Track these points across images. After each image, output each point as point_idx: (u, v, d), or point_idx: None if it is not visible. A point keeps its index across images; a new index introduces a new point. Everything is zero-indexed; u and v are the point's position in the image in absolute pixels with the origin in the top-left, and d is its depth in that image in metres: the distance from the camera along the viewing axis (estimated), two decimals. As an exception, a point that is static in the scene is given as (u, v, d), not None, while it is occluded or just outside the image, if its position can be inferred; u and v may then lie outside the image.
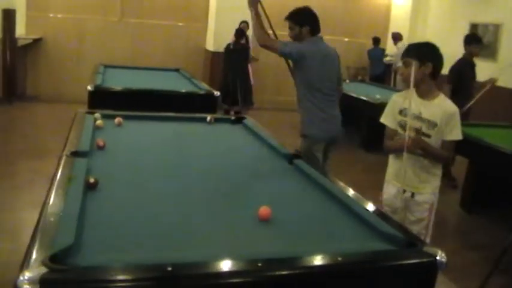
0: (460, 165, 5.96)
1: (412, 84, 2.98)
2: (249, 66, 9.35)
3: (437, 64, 3.06)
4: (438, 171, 3.22)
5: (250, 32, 9.18)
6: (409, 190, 3.21)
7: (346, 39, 11.90)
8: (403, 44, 10.40)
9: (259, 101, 10.62)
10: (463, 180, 5.82)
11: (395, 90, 8.34)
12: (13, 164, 5.99)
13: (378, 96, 7.49)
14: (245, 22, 9.40)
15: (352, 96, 7.84)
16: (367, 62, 11.38)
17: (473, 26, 9.84)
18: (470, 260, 4.42)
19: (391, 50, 11.16)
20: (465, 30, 9.17)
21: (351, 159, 7.47)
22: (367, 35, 11.41)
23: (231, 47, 9.07)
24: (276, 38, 4.73)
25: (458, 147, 5.02)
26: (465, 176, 5.72)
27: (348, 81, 9.74)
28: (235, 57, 9.09)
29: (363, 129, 8.00)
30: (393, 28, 11.75)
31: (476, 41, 6.35)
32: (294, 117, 10.02)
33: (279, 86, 11.21)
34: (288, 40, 4.38)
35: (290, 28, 4.37)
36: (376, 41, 11.15)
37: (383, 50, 11.18)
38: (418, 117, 3.10)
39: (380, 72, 10.94)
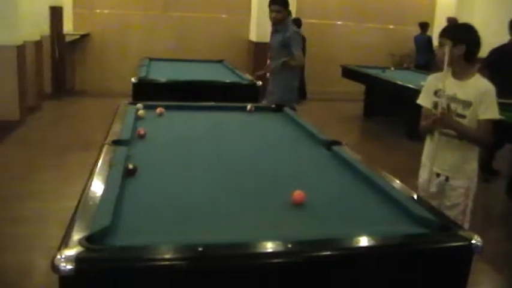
0: (505, 152, 5.81)
1: (445, 65, 2.93)
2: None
3: (470, 46, 3.00)
4: (474, 155, 3.14)
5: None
6: (444, 174, 3.15)
7: (391, 27, 11.74)
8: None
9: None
10: (507, 167, 5.65)
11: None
12: (62, 156, 6.18)
13: (422, 83, 7.34)
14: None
15: (397, 84, 7.73)
16: (412, 49, 11.15)
17: (523, 9, 9.51)
18: (514, 250, 4.32)
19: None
20: (514, 13, 8.88)
21: (395, 146, 7.39)
22: (413, 22, 11.16)
23: None
24: None
25: (506, 133, 4.90)
26: (510, 163, 5.56)
27: (392, 68, 9.61)
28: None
29: (408, 116, 7.87)
30: (439, 14, 11.52)
31: None
32: (337, 107, 10.05)
33: (323, 76, 11.16)
34: (293, 41, 5.12)
35: (278, 11, 4.99)
36: (423, 26, 10.83)
37: (429, 37, 10.89)
38: (453, 98, 3.04)
39: (425, 60, 10.63)
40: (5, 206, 4.63)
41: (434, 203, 3.00)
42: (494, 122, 3.01)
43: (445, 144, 3.09)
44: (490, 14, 10.01)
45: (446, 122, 3.01)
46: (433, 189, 3.20)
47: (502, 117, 2.99)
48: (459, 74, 3.06)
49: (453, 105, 3.05)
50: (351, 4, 11.39)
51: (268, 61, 5.26)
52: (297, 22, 9.32)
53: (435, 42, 10.68)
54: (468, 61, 3.04)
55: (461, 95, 3.02)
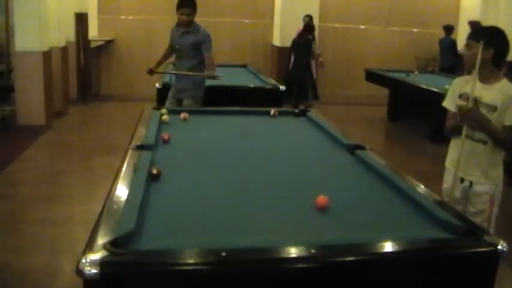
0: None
1: (477, 68, 2.89)
2: (312, 61, 9.40)
3: (499, 50, 2.94)
4: (499, 160, 3.06)
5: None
6: (468, 179, 3.09)
7: (415, 30, 11.64)
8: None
9: (327, 95, 10.60)
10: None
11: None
12: (88, 160, 6.26)
13: (446, 87, 7.27)
14: (308, 16, 9.47)
15: (421, 87, 7.67)
16: (436, 53, 11.04)
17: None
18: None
19: (463, 39, 10.78)
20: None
21: (419, 151, 7.32)
22: (437, 25, 11.06)
23: (297, 41, 9.18)
24: None
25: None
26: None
27: (416, 72, 9.53)
28: (300, 51, 9.18)
29: (432, 120, 7.80)
30: (464, 17, 11.37)
31: None
32: (360, 110, 10.00)
33: (346, 80, 11.13)
34: (205, 44, 5.57)
35: (188, 14, 5.32)
36: (448, 29, 10.72)
37: (454, 40, 10.77)
38: (478, 101, 3.00)
39: (450, 64, 10.51)
40: (32, 208, 4.71)
41: (458, 208, 2.97)
42: None
43: (470, 149, 3.03)
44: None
45: (474, 116, 2.92)
46: (457, 195, 3.13)
47: None
48: (486, 77, 2.99)
49: (473, 105, 2.98)
50: (374, 8, 11.33)
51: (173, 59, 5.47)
52: (309, 28, 9.35)
53: (459, 45, 10.65)
54: (496, 65, 2.98)
55: (487, 98, 2.96)
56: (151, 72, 5.60)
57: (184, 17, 5.30)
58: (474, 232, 1.99)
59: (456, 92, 3.14)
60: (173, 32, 5.63)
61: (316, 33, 10.25)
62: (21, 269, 3.64)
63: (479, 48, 2.89)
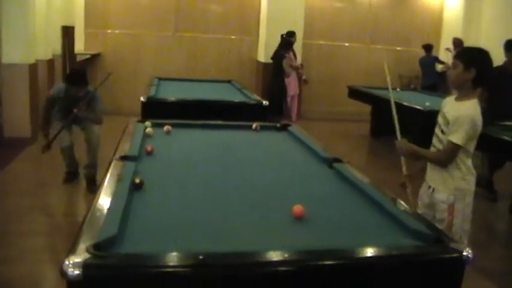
0: (509, 172, 5.87)
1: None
2: (287, 78, 9.59)
3: (481, 71, 3.01)
4: (458, 173, 3.11)
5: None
6: (430, 184, 3.24)
7: (398, 48, 11.84)
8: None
9: (311, 112, 10.74)
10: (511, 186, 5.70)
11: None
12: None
13: (427, 104, 7.44)
14: (287, 33, 9.66)
15: (403, 105, 7.80)
16: (419, 71, 11.24)
17: (528, 31, 9.59)
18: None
19: (445, 57, 11.00)
20: (520, 35, 8.95)
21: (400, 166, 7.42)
22: (419, 43, 11.27)
23: (272, 57, 9.46)
24: None
25: (508, 152, 4.95)
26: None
27: (398, 89, 9.69)
28: (274, 67, 9.45)
29: (414, 137, 7.93)
30: (446, 35, 11.60)
31: None
32: (344, 127, 10.14)
33: (330, 97, 11.29)
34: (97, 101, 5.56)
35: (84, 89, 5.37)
36: (428, 48, 10.94)
37: (435, 58, 10.99)
38: (444, 116, 3.13)
39: (432, 82, 10.69)
40: (15, 219, 4.73)
41: (429, 213, 3.15)
42: (456, 146, 3.02)
43: None
44: (497, 36, 10.06)
45: (402, 153, 3.33)
46: (426, 200, 3.28)
47: (460, 143, 2.98)
48: (462, 95, 3.11)
49: (442, 121, 3.15)
50: (358, 26, 11.53)
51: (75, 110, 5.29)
52: (286, 42, 9.53)
53: (442, 62, 10.85)
54: (475, 85, 3.07)
55: (449, 113, 3.10)
56: (49, 146, 5.51)
57: (81, 93, 5.30)
58: (441, 239, 2.10)
59: (441, 111, 3.26)
60: (60, 97, 5.45)
61: (301, 50, 10.44)
62: (7, 279, 3.67)
63: (459, 68, 3.02)
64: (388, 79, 3.80)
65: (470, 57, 3.06)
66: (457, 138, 2.99)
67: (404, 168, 3.43)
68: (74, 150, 5.70)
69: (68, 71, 9.24)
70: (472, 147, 3.10)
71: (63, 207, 5.26)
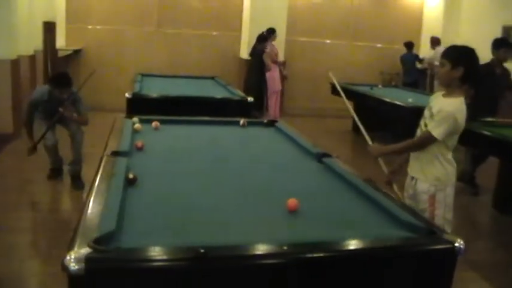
0: (491, 166, 5.97)
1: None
2: (268, 72, 9.58)
3: (469, 70, 3.07)
4: (437, 164, 3.16)
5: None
6: (412, 175, 3.30)
7: (380, 45, 11.95)
8: (441, 49, 10.39)
9: (294, 108, 10.78)
10: (494, 180, 5.79)
11: (429, 94, 8.34)
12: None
13: (409, 100, 7.54)
14: (268, 30, 9.66)
15: (385, 101, 7.90)
16: (401, 68, 11.36)
17: (506, 29, 9.76)
18: (502, 259, 4.47)
19: (426, 54, 11.13)
20: (498, 33, 9.10)
21: (385, 161, 7.50)
22: (401, 41, 11.39)
23: (251, 52, 9.48)
24: None
25: (490, 147, 5.04)
26: (497, 176, 5.71)
27: (380, 86, 9.79)
28: (253, 62, 9.44)
29: (396, 132, 8.03)
30: (426, 33, 11.75)
31: (507, 45, 6.10)
32: (327, 123, 10.20)
33: (313, 93, 11.35)
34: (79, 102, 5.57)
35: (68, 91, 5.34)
36: (409, 45, 11.08)
37: (416, 55, 11.13)
38: (430, 109, 3.19)
39: (413, 79, 10.84)
40: (2, 216, 4.68)
41: (414, 204, 3.19)
42: (432, 137, 3.07)
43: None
44: (475, 35, 10.21)
45: (376, 156, 3.43)
46: (410, 191, 3.33)
47: (436, 136, 3.04)
48: (449, 92, 3.16)
49: (427, 113, 3.21)
50: (340, 23, 11.60)
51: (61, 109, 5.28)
52: (261, 37, 9.57)
53: (421, 60, 10.99)
54: (463, 83, 3.11)
55: (434, 108, 3.17)
56: (35, 148, 5.49)
57: (64, 96, 5.29)
58: (434, 231, 2.15)
59: (428, 105, 3.31)
60: (42, 103, 5.43)
61: (283, 46, 10.48)
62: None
63: (446, 66, 3.08)
64: (339, 87, 3.77)
65: (458, 55, 3.10)
66: (436, 131, 3.06)
67: (384, 168, 3.50)
68: (58, 148, 5.66)
69: (49, 68, 9.17)
70: (452, 141, 3.16)
71: (49, 204, 5.23)
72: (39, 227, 4.58)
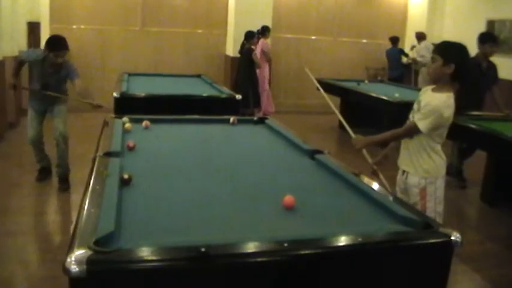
0: (478, 159, 6.04)
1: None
2: (258, 70, 9.55)
3: (460, 67, 3.08)
4: (426, 157, 3.20)
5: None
6: (402, 168, 3.34)
7: (365, 41, 12.01)
8: (426, 44, 10.47)
9: (280, 104, 10.80)
10: (482, 173, 5.86)
11: (415, 89, 8.41)
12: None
13: (396, 95, 7.59)
14: (265, 26, 9.65)
15: (371, 96, 7.94)
16: (386, 63, 11.44)
17: (490, 23, 9.86)
18: (491, 251, 4.53)
19: (410, 53, 11.21)
20: (482, 27, 9.19)
21: (372, 155, 7.55)
22: (385, 36, 11.47)
23: (240, 50, 9.42)
24: None
25: (477, 140, 5.10)
26: (484, 169, 5.78)
27: (366, 81, 9.84)
28: (241, 60, 9.41)
29: (382, 127, 8.08)
30: (411, 28, 11.85)
31: (493, 40, 6.12)
32: (315, 119, 10.23)
33: (299, 90, 11.39)
34: (74, 73, 5.57)
35: (64, 56, 5.30)
36: (394, 40, 11.16)
37: (401, 50, 11.20)
38: (419, 103, 3.23)
39: (399, 74, 10.92)
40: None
41: (406, 198, 3.22)
42: (417, 129, 3.13)
43: (403, 142, 3.34)
44: (459, 31, 10.33)
45: (360, 148, 3.45)
46: (402, 185, 3.37)
47: (421, 128, 3.10)
48: (438, 87, 3.19)
49: (416, 106, 3.25)
50: (324, 20, 11.64)
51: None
52: (248, 34, 9.55)
53: (407, 52, 11.07)
54: (453, 79, 3.14)
55: (423, 101, 3.21)
56: (15, 87, 5.57)
57: (60, 60, 5.22)
58: (430, 225, 2.18)
59: (418, 99, 3.33)
60: (37, 65, 5.40)
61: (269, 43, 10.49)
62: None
63: (438, 62, 3.10)
64: (316, 82, 3.80)
65: (450, 52, 3.12)
66: (420, 124, 3.11)
67: (368, 159, 3.54)
68: (44, 144, 5.61)
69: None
70: (440, 135, 3.19)
71: (37, 206, 5.18)
72: (29, 230, 4.54)
